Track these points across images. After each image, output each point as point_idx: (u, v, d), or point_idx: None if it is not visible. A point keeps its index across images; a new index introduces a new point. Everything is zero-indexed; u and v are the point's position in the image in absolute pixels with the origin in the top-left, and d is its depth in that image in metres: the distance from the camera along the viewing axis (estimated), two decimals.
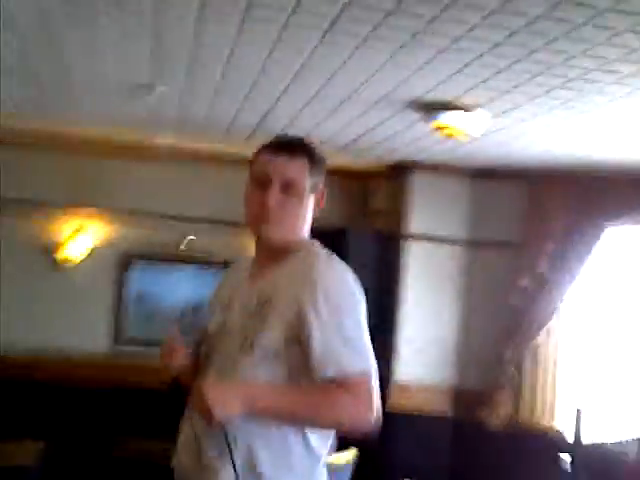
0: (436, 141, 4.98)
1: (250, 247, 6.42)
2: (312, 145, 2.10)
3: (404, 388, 5.60)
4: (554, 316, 5.44)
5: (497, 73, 3.59)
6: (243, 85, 4.23)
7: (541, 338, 5.45)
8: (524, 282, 5.49)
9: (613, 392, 5.30)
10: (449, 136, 4.28)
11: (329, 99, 4.32)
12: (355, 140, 5.16)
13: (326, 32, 3.24)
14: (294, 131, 5.08)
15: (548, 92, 3.81)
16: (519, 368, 5.50)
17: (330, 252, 2.05)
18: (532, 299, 5.47)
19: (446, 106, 4.12)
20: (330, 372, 1.82)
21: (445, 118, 4.13)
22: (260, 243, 2.08)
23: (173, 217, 6.05)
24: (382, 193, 6.01)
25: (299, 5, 2.99)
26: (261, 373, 1.88)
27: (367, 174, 6.14)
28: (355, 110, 4.47)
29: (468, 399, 5.65)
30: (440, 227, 5.77)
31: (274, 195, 1.98)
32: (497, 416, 5.48)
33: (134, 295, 6.08)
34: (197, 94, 4.52)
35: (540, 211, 5.53)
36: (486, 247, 5.75)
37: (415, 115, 4.40)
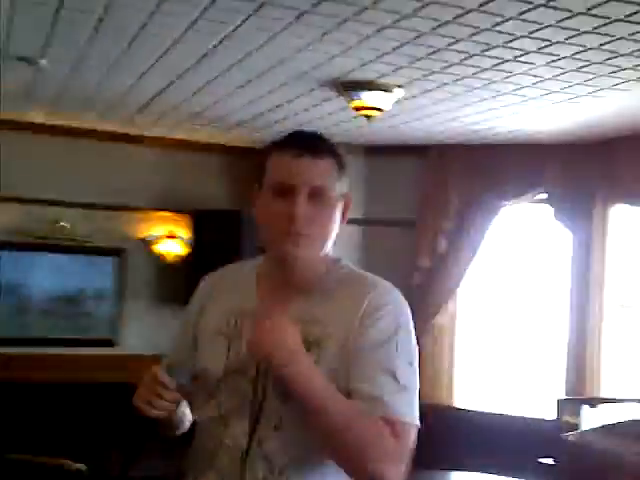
0: (339, 119, 4.78)
1: (128, 232, 5.94)
2: (334, 143, 1.73)
3: None
4: (454, 294, 5.44)
5: (431, 54, 3.44)
6: (143, 61, 3.83)
7: (441, 316, 5.44)
8: (424, 261, 5.44)
9: (512, 367, 5.41)
10: (367, 116, 4.08)
11: (237, 77, 4.00)
12: (254, 118, 4.85)
13: (250, 16, 3.08)
14: (191, 107, 4.71)
15: (475, 74, 3.71)
16: (420, 347, 5.45)
17: (370, 274, 1.74)
18: (432, 278, 5.44)
19: (366, 86, 3.93)
20: (378, 413, 1.55)
21: (366, 98, 3.93)
22: (280, 263, 1.70)
23: (44, 202, 5.47)
24: None
25: None
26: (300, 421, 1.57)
27: (260, 153, 5.81)
28: (264, 88, 4.17)
29: None
30: None
31: (302, 205, 1.62)
32: None
33: (1, 288, 5.46)
34: (85, 70, 4.04)
35: (437, 189, 5.48)
36: (385, 226, 5.64)
37: (328, 94, 4.19)
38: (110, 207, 5.65)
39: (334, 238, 1.72)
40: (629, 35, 3.07)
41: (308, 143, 1.68)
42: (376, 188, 5.63)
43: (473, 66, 3.59)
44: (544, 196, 5.15)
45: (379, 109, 4.04)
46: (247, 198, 6.12)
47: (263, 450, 1.59)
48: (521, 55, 3.42)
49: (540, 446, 3.87)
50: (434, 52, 3.42)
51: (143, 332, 5.70)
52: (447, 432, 4.81)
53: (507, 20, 2.99)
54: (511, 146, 5.19)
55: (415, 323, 1.74)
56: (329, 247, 1.72)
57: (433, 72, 3.72)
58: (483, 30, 3.10)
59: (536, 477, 3.88)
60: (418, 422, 1.60)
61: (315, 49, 3.45)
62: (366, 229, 5.65)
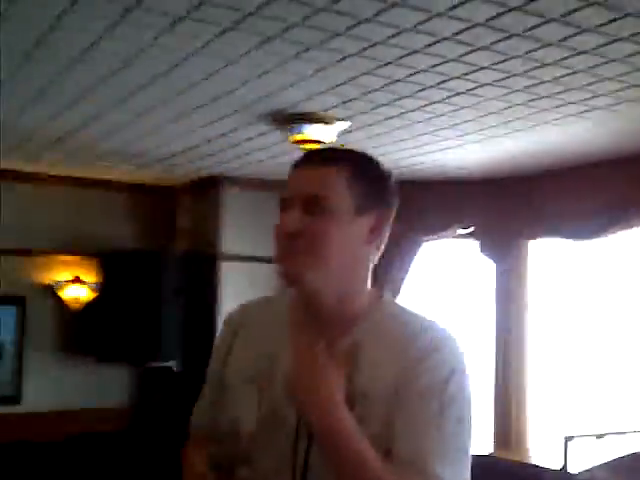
0: (275, 154, 4.61)
1: (29, 278, 5.49)
2: (360, 152, 1.52)
3: None
4: None
5: (384, 85, 3.35)
6: (69, 92, 3.52)
7: None
8: None
9: None
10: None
11: (168, 110, 3.77)
12: (176, 155, 4.60)
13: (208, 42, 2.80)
14: (109, 143, 4.43)
15: (423, 107, 3.65)
16: None
17: (423, 315, 1.50)
18: None
19: (308, 119, 3.79)
20: (415, 477, 1.32)
21: (308, 131, 3.79)
22: (301, 296, 1.46)
23: None
24: (192, 210, 5.48)
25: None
26: None
27: (174, 190, 5.56)
28: (195, 122, 3.95)
29: None
30: (254, 245, 5.37)
31: (292, 216, 1.40)
32: None
33: None
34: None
35: None
36: None
37: (265, 127, 4.01)
38: (10, 251, 5.20)
39: (362, 264, 1.48)
40: (588, 68, 3.09)
41: (313, 153, 1.50)
42: None
43: (423, 99, 3.52)
44: (470, 230, 5.18)
45: (320, 142, 3.90)
46: (162, 238, 5.72)
47: None
48: (474, 88, 3.37)
49: None
50: (388, 84, 3.33)
51: (48, 387, 5.24)
52: None
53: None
54: (435, 182, 5.19)
55: None
56: (362, 277, 1.48)
57: (379, 105, 3.62)
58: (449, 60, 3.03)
59: None
60: None
61: (262, 81, 3.28)
62: None
